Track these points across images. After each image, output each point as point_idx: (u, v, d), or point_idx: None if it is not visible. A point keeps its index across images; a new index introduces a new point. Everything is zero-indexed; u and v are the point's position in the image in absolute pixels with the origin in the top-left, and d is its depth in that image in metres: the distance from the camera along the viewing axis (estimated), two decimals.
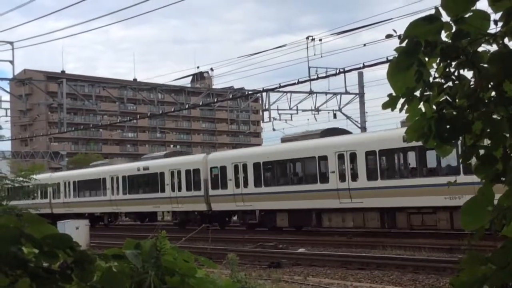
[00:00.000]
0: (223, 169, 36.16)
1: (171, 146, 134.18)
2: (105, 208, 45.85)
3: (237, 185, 35.19)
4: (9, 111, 52.23)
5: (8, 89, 52.97)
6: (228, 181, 35.55)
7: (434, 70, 2.62)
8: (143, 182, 42.90)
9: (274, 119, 47.37)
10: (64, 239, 2.32)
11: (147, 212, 43.65)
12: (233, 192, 35.34)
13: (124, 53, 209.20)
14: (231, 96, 53.39)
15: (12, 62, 44.60)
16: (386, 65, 2.64)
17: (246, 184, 34.74)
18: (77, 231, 28.27)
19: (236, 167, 35.47)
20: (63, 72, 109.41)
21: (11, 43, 43.26)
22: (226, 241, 29.34)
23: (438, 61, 2.59)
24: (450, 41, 2.54)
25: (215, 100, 53.82)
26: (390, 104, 2.68)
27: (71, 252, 2.34)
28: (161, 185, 40.52)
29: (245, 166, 35.00)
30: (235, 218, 38.89)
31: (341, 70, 39.53)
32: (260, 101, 51.61)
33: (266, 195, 33.43)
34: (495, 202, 2.54)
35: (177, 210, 40.13)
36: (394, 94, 2.67)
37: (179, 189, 39.39)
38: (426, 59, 2.59)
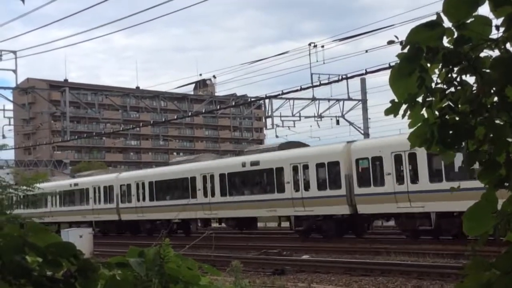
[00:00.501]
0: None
1: (174, 153, 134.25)
2: (192, 213, 37.73)
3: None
4: (12, 120, 52.34)
5: (11, 98, 53.11)
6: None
7: (436, 76, 2.62)
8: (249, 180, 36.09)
9: (277, 126, 47.39)
10: (68, 247, 2.33)
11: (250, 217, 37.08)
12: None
13: (126, 61, 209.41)
14: (233, 103, 53.42)
15: (15, 71, 44.67)
16: (389, 71, 2.64)
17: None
18: (81, 240, 28.28)
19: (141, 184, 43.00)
20: (65, 80, 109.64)
21: (14, 52, 43.32)
22: (229, 248, 29.32)
23: (440, 66, 2.59)
24: (452, 46, 2.54)
25: (218, 107, 53.86)
26: (392, 110, 2.68)
27: (75, 261, 2.34)
28: (278, 183, 33.43)
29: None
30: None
31: (344, 76, 39.58)
32: (263, 108, 51.69)
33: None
34: (499, 207, 2.53)
35: (303, 214, 32.25)
36: (396, 100, 2.67)
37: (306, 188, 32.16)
38: (428, 65, 2.60)
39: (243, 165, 35.40)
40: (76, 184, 49.47)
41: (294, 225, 32.77)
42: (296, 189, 31.79)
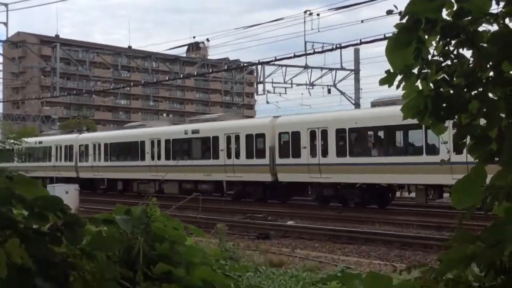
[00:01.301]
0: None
1: (164, 115, 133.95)
2: (142, 174, 41.57)
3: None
4: (1, 73, 52.03)
5: (1, 51, 52.68)
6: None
7: (433, 48, 2.60)
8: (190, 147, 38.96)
9: (268, 92, 47.33)
10: (55, 201, 2.32)
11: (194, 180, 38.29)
12: None
13: (120, 19, 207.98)
14: (226, 68, 53.17)
15: (6, 24, 44.24)
16: (383, 43, 2.63)
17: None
18: (67, 195, 28.26)
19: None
20: (57, 36, 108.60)
21: (6, 5, 42.87)
22: (215, 211, 29.45)
23: (437, 39, 2.58)
24: (450, 19, 2.52)
25: (210, 70, 53.62)
26: (387, 80, 2.67)
27: (62, 215, 2.33)
28: (214, 151, 36.55)
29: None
30: None
31: (338, 45, 39.44)
32: (255, 74, 51.45)
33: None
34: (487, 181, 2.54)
35: (233, 179, 35.64)
36: (391, 70, 2.66)
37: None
38: (426, 36, 2.58)
39: (186, 132, 39.06)
40: (40, 142, 51.39)
41: (226, 189, 36.85)
42: (229, 156, 35.48)
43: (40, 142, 51.33)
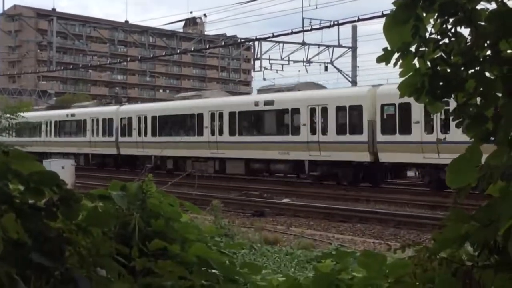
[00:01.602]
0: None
1: (161, 90, 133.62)
2: (199, 151, 36.68)
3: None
4: None
5: None
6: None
7: (431, 26, 2.59)
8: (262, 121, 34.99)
9: (265, 68, 47.20)
10: (51, 176, 2.32)
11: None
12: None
13: None
14: (223, 43, 52.99)
15: None
16: (381, 20, 2.62)
17: None
18: (63, 171, 28.27)
19: None
20: (53, 9, 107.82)
21: None
22: (211, 188, 29.50)
23: (435, 16, 2.56)
24: None
25: (207, 46, 53.40)
26: (384, 58, 2.66)
27: (58, 190, 2.33)
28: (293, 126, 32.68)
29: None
30: None
31: (335, 22, 39.29)
32: (252, 50, 51.31)
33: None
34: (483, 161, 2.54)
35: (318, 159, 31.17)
36: (389, 48, 2.65)
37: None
38: (424, 14, 2.57)
39: (256, 104, 34.08)
40: (73, 115, 48.03)
41: (308, 170, 31.57)
42: (313, 132, 30.90)
43: (73, 115, 47.83)
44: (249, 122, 35.22)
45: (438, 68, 2.58)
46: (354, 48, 47.20)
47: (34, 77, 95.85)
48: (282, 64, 47.91)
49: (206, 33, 70.27)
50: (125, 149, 42.49)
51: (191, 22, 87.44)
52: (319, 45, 47.41)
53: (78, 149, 45.48)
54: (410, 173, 31.77)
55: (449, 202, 2.63)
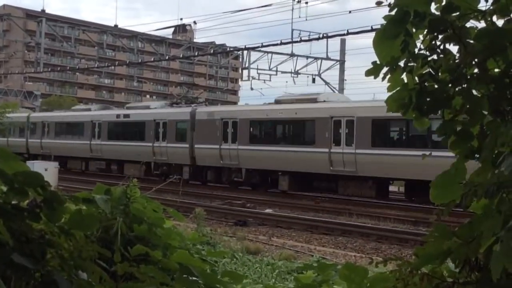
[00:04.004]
0: None
1: (148, 96, 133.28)
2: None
3: None
4: None
5: None
6: None
7: (420, 41, 2.61)
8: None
9: (253, 78, 47.21)
10: (36, 177, 2.30)
11: None
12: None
13: None
14: (212, 51, 53.00)
15: None
16: (370, 34, 2.64)
17: None
18: (46, 173, 28.09)
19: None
20: (43, 11, 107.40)
21: None
22: (195, 195, 29.43)
23: (425, 33, 2.58)
24: (439, 13, 2.53)
25: (196, 54, 53.39)
26: (373, 71, 2.67)
27: (42, 191, 2.32)
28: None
29: None
30: None
31: (324, 35, 39.43)
32: (241, 59, 51.34)
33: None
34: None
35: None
36: (378, 62, 2.66)
37: None
38: (414, 30, 2.59)
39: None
40: (126, 116, 42.36)
41: None
42: None
43: (127, 116, 42.11)
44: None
45: (425, 84, 2.61)
46: (342, 61, 47.38)
47: (21, 77, 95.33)
48: (270, 75, 48.00)
49: (195, 40, 70.18)
50: (202, 159, 35.95)
51: (181, 29, 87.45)
52: (307, 57, 47.55)
53: (137, 155, 37.52)
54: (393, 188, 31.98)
55: (432, 218, 2.64)
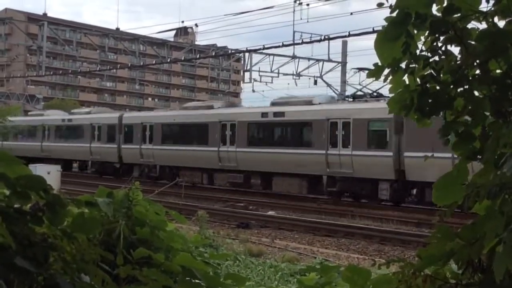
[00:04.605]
0: None
1: (149, 99, 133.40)
2: None
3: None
4: None
5: None
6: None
7: (422, 43, 2.61)
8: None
9: (255, 80, 47.15)
10: (38, 181, 2.30)
11: None
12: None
13: (111, 1, 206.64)
14: (213, 54, 53.00)
15: None
16: (371, 36, 2.64)
17: None
18: (48, 176, 28.09)
19: None
20: (45, 14, 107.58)
21: None
22: (197, 198, 29.43)
23: (426, 34, 2.58)
24: (440, 15, 2.53)
25: (197, 56, 53.41)
26: (375, 73, 2.67)
27: (44, 195, 2.32)
28: None
29: None
30: None
31: (326, 37, 39.41)
32: (242, 62, 51.37)
33: None
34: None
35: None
36: (379, 63, 2.66)
37: None
38: (415, 31, 2.59)
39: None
40: (194, 117, 37.20)
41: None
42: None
43: (195, 117, 36.94)
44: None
45: (427, 85, 2.60)
46: (343, 63, 47.32)
47: (23, 81, 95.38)
48: (272, 77, 47.93)
49: (197, 43, 70.28)
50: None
51: (182, 31, 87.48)
52: (309, 59, 47.48)
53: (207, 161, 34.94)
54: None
55: (435, 220, 2.63)
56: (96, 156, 44.73)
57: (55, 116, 51.27)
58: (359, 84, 35.52)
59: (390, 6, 2.55)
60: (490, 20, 2.50)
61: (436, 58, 2.59)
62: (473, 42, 2.52)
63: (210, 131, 35.06)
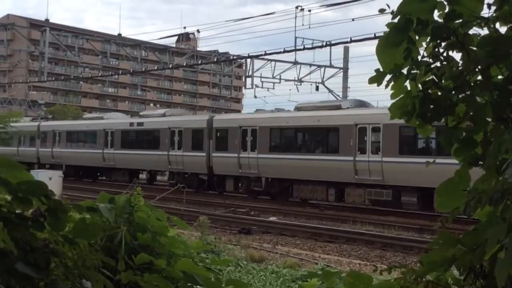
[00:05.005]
0: None
1: (151, 105, 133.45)
2: None
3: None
4: None
5: None
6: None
7: (424, 49, 2.61)
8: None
9: (257, 86, 47.20)
10: (40, 186, 2.30)
11: None
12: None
13: (113, 7, 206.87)
14: (215, 60, 53.04)
15: None
16: (373, 42, 2.64)
17: None
18: (50, 182, 28.10)
19: None
20: (47, 20, 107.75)
21: None
22: (199, 203, 29.41)
23: (428, 40, 2.58)
24: (442, 21, 2.53)
25: (199, 62, 53.45)
26: (376, 79, 2.67)
27: (46, 200, 2.32)
28: None
29: None
30: None
31: (327, 42, 39.45)
32: (244, 67, 51.40)
33: None
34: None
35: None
36: (381, 69, 2.66)
37: None
38: (417, 37, 2.59)
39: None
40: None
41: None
42: None
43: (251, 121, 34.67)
44: None
45: (429, 91, 2.60)
46: (345, 69, 47.38)
47: (25, 87, 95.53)
48: (274, 83, 48.00)
49: (198, 49, 70.29)
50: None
51: (184, 37, 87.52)
52: (310, 65, 47.54)
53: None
54: None
55: (436, 225, 2.63)
56: (178, 167, 38.05)
57: (120, 119, 46.37)
58: None
59: (392, 12, 2.55)
60: (492, 26, 2.50)
61: (438, 64, 2.59)
62: (474, 48, 2.52)
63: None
